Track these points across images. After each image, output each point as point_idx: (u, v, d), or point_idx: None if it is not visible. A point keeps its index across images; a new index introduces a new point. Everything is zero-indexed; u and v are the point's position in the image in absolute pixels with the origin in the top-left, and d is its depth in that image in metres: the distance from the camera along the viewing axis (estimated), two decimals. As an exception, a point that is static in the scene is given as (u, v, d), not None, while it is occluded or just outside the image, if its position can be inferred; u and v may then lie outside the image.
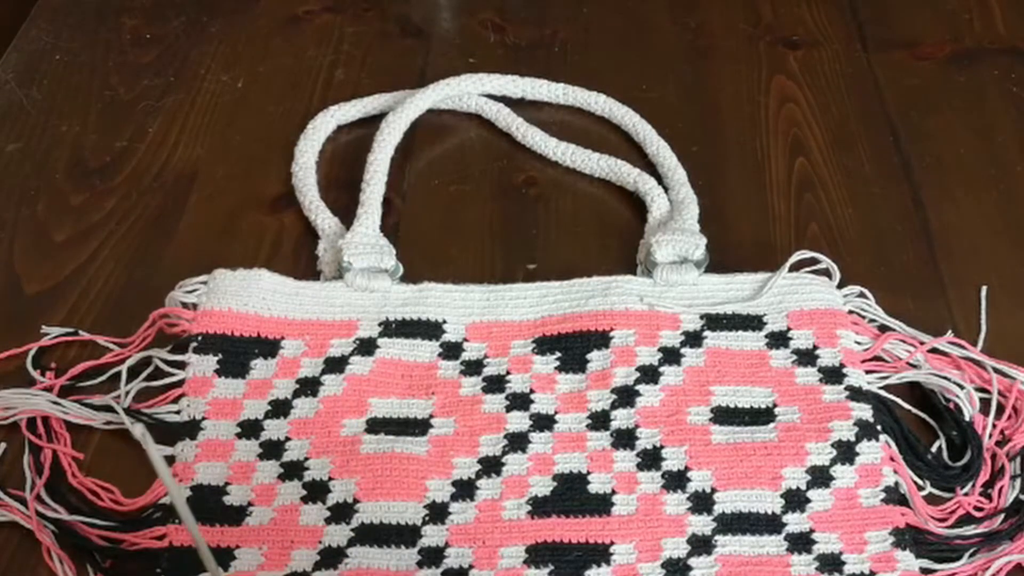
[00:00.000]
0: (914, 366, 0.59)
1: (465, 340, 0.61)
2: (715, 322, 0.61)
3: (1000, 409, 0.58)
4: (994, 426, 0.57)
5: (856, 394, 0.57)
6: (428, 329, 0.61)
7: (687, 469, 0.55)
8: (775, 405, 0.58)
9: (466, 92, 0.75)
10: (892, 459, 0.55)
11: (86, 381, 0.60)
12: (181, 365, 0.60)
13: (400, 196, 0.71)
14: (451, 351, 0.61)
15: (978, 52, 0.80)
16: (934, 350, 0.60)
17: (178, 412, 0.58)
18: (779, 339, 0.60)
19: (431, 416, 0.58)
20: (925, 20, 0.83)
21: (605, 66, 0.80)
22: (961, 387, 0.58)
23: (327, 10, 0.86)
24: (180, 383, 0.59)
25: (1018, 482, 0.55)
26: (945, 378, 0.59)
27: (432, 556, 0.53)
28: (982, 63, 0.79)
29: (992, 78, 0.78)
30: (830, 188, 0.71)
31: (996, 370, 0.59)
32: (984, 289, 0.64)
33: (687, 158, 0.71)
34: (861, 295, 0.63)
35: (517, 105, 0.76)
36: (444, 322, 0.62)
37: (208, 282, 0.62)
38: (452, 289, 0.63)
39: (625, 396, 0.58)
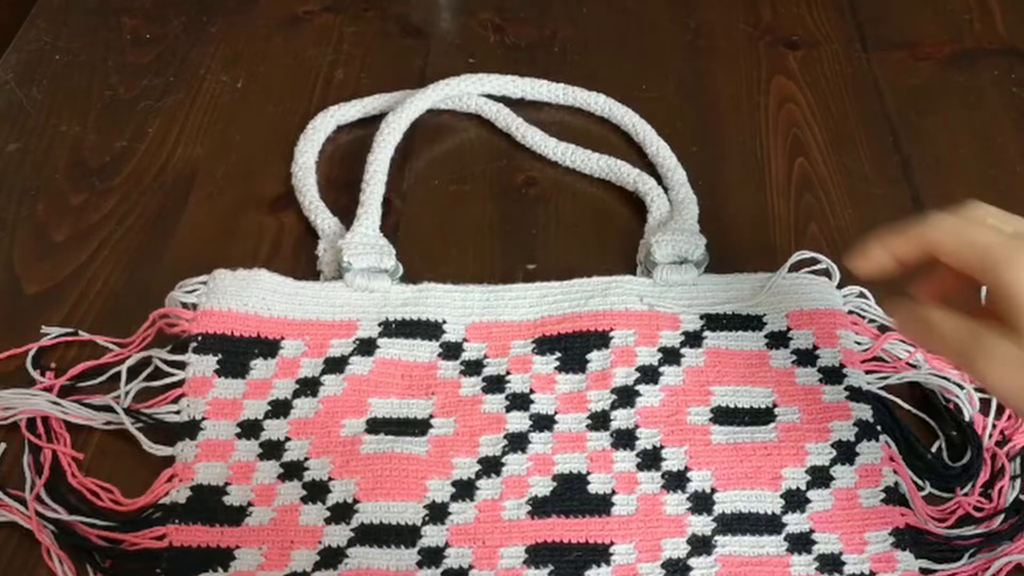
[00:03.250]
0: (914, 366, 0.59)
1: (465, 340, 0.61)
2: (715, 322, 0.61)
3: (1000, 409, 0.58)
4: (994, 426, 0.57)
5: (856, 394, 0.57)
6: (428, 329, 0.61)
7: (687, 469, 0.55)
8: (775, 405, 0.58)
9: (466, 92, 0.75)
10: (892, 459, 0.55)
11: (86, 381, 0.60)
12: (181, 365, 0.60)
13: (400, 196, 0.71)
14: (451, 351, 0.61)
15: (978, 52, 0.80)
16: (935, 350, 0.60)
17: (178, 412, 0.58)
18: (779, 339, 0.60)
19: (431, 416, 0.58)
20: (925, 20, 0.83)
21: (605, 66, 0.80)
22: (961, 387, 0.58)
23: (327, 10, 0.86)
24: (180, 383, 0.59)
25: (1018, 482, 0.55)
26: (945, 378, 0.59)
27: (432, 556, 0.53)
28: (982, 63, 0.79)
29: (992, 78, 0.78)
30: (830, 188, 0.71)
31: None
32: (984, 289, 0.64)
33: (687, 158, 0.71)
34: (861, 295, 0.62)
35: (517, 105, 0.76)
36: (444, 322, 0.61)
37: (208, 282, 0.62)
38: (452, 289, 0.63)
39: (625, 396, 0.58)
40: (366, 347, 0.60)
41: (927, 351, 0.49)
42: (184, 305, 0.61)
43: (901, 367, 0.59)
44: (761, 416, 0.57)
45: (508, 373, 0.59)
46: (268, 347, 0.60)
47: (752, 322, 0.61)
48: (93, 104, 0.78)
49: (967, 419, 0.57)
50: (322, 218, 0.67)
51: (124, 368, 0.60)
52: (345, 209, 0.68)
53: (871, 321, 0.62)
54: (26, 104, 0.78)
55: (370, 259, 0.63)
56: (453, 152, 0.74)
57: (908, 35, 0.82)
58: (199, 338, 0.60)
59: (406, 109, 0.72)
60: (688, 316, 0.61)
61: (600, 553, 0.53)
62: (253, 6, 0.86)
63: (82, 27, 0.84)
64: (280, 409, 0.58)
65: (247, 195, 0.71)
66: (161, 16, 0.85)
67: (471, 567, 0.53)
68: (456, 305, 0.62)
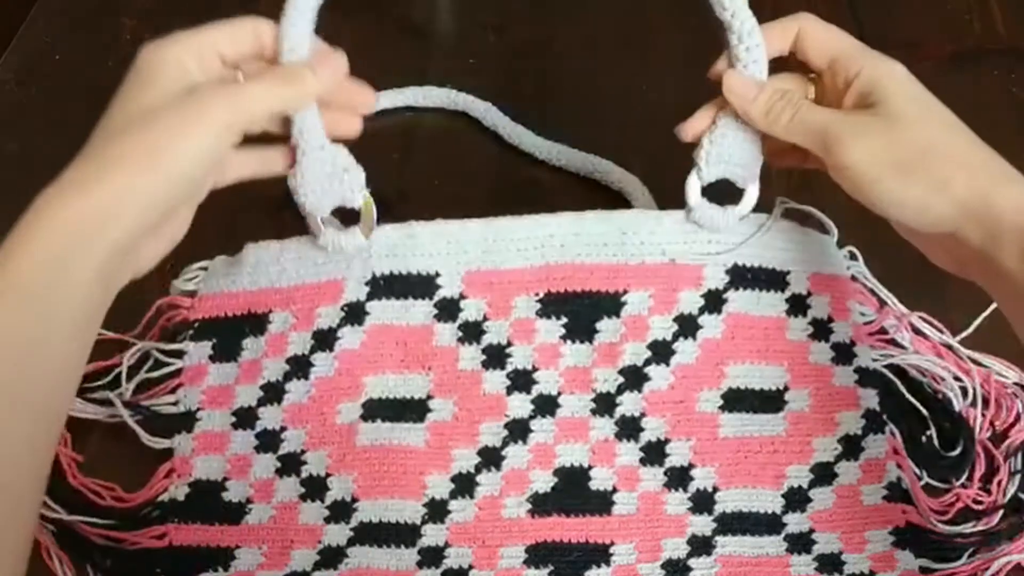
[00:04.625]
0: (900, 345, 0.59)
1: (462, 296, 0.57)
2: (740, 277, 0.57)
3: (986, 401, 0.58)
4: (983, 416, 0.57)
5: (864, 377, 0.56)
6: (420, 285, 0.57)
7: (691, 466, 0.55)
8: (786, 388, 0.56)
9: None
10: (896, 451, 0.55)
11: (88, 382, 0.60)
12: (180, 354, 0.59)
13: (400, 196, 0.71)
14: (447, 310, 0.57)
15: (978, 53, 0.80)
16: (917, 330, 0.60)
17: (175, 403, 0.58)
18: (799, 304, 0.57)
19: (429, 396, 0.56)
20: (925, 20, 0.83)
21: (605, 66, 0.80)
22: (956, 377, 0.58)
23: (327, 10, 0.86)
24: (178, 372, 0.59)
25: (1017, 478, 0.55)
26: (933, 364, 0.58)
27: (432, 556, 0.53)
28: (982, 64, 0.79)
29: (992, 79, 0.78)
30: (830, 188, 0.70)
31: (972, 360, 0.59)
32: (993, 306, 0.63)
33: (687, 158, 0.71)
34: (851, 256, 0.61)
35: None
36: (437, 275, 0.57)
37: (208, 267, 0.61)
38: (445, 231, 0.57)
39: (633, 379, 0.56)
40: (355, 314, 0.57)
41: (773, 130, 0.50)
42: (185, 293, 0.61)
43: (897, 351, 0.59)
44: (772, 402, 0.56)
45: (510, 344, 0.56)
46: (257, 323, 0.58)
47: (776, 280, 0.57)
48: (93, 105, 0.78)
49: (957, 409, 0.57)
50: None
51: (125, 359, 0.59)
52: (342, 208, 0.67)
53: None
54: (26, 104, 0.78)
55: (330, 196, 0.54)
56: (453, 152, 0.74)
57: (908, 35, 0.81)
58: (196, 324, 0.59)
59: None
60: (713, 269, 0.57)
61: (600, 553, 0.53)
62: (253, 6, 0.86)
63: (82, 27, 0.84)
64: (273, 394, 0.57)
65: (247, 195, 0.71)
66: (161, 16, 0.85)
67: (471, 567, 0.52)
68: (450, 251, 0.57)
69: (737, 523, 0.54)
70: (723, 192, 0.57)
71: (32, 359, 0.42)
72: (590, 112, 0.76)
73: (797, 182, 0.71)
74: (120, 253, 0.45)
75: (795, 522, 0.53)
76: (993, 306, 0.62)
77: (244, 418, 0.57)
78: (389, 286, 0.57)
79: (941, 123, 0.48)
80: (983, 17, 0.83)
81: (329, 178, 0.54)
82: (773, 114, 0.50)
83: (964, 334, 0.61)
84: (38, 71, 0.80)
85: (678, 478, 0.55)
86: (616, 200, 0.70)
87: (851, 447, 0.55)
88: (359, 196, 0.55)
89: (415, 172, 0.73)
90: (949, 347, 0.60)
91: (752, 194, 0.56)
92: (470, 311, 0.57)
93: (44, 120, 0.76)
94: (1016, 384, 0.59)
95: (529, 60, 0.80)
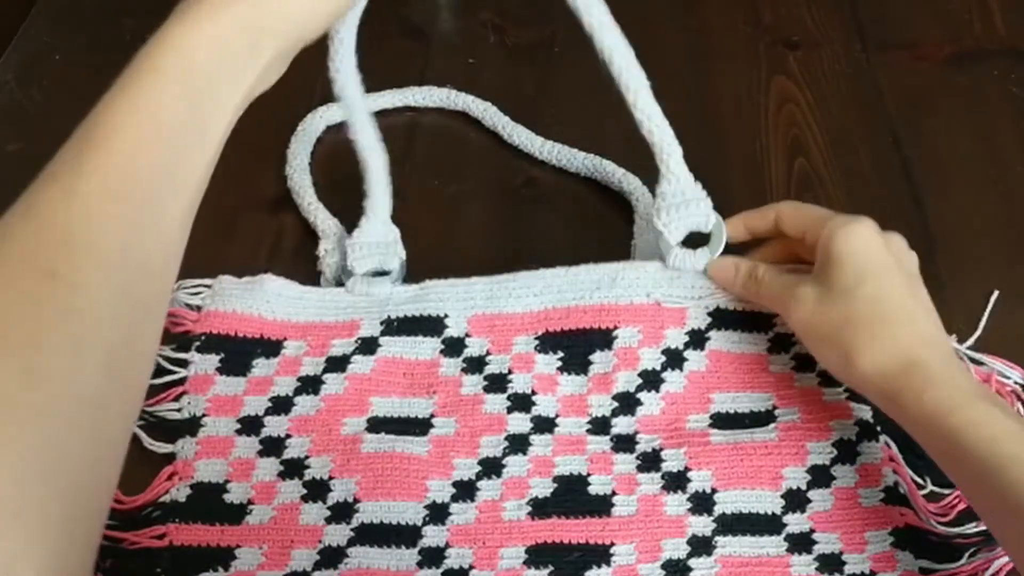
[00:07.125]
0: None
1: (467, 335, 0.60)
2: (723, 319, 0.60)
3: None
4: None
5: (856, 394, 0.57)
6: (430, 324, 0.61)
7: (687, 470, 0.55)
8: (775, 407, 0.57)
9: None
10: (892, 459, 0.55)
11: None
12: (183, 363, 0.60)
13: (400, 196, 0.71)
14: (453, 347, 0.60)
15: (978, 52, 0.80)
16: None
17: (179, 410, 0.58)
18: (782, 343, 0.59)
19: (432, 416, 0.58)
20: (925, 20, 0.83)
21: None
22: None
23: (327, 10, 0.86)
24: (182, 381, 0.59)
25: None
26: None
27: (432, 556, 0.53)
28: (982, 63, 0.79)
29: (992, 78, 0.78)
30: (830, 188, 0.71)
31: (972, 360, 0.59)
32: (995, 295, 0.63)
33: (687, 158, 0.71)
34: None
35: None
36: (446, 316, 0.61)
37: (213, 286, 0.62)
38: (455, 283, 0.62)
39: (626, 404, 0.58)
40: (368, 346, 0.60)
41: (751, 299, 0.59)
42: (188, 306, 0.61)
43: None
44: (761, 418, 0.57)
45: (510, 372, 0.59)
46: (271, 347, 0.60)
47: (762, 323, 0.60)
48: (93, 104, 0.78)
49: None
50: (322, 219, 0.67)
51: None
52: (345, 209, 0.68)
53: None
54: (26, 104, 0.78)
55: (374, 260, 0.62)
56: (453, 152, 0.74)
57: (908, 35, 0.81)
58: (203, 337, 0.60)
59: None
60: (696, 311, 0.60)
61: (600, 554, 0.53)
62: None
63: (82, 27, 0.84)
64: (281, 406, 0.58)
65: (247, 196, 0.71)
66: (161, 16, 0.85)
67: (471, 567, 0.53)
68: (458, 298, 0.61)
69: (737, 523, 0.54)
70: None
71: (195, 146, 0.43)
72: (590, 112, 0.76)
73: (798, 185, 0.71)
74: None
75: (795, 522, 0.54)
76: (994, 308, 0.63)
77: (249, 425, 0.58)
78: (402, 325, 0.60)
79: (866, 296, 0.52)
80: (983, 17, 0.83)
81: (378, 246, 0.62)
82: (747, 288, 0.58)
83: (968, 342, 0.61)
84: (38, 71, 0.80)
85: (675, 481, 0.55)
86: (616, 200, 0.70)
87: (846, 451, 0.55)
88: (397, 261, 0.63)
89: (415, 172, 0.73)
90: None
91: (719, 235, 0.60)
92: (474, 348, 0.60)
93: (44, 120, 0.76)
94: (1017, 384, 0.59)
95: (529, 60, 0.80)
